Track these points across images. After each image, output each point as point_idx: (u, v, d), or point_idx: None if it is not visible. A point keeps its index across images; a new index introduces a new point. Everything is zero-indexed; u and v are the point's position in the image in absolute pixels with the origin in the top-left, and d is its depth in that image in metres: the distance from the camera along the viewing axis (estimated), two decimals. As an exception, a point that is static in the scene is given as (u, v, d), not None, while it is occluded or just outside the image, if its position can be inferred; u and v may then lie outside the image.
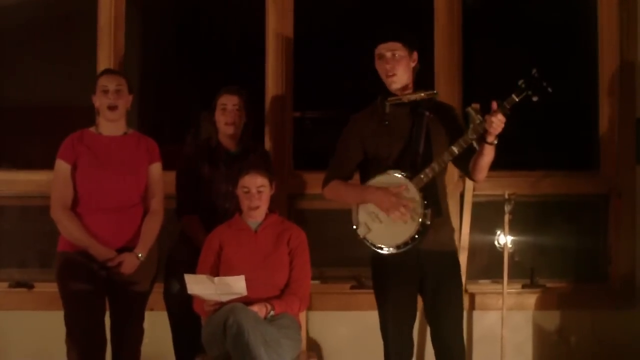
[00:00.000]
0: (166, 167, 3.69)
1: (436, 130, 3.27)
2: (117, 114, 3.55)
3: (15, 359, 4.19)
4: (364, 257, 3.89)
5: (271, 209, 3.55)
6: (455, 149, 3.14)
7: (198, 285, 3.23)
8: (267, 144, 4.31)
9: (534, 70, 3.10)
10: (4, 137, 4.54)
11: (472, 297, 4.18)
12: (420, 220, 3.16)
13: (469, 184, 4.12)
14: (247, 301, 3.23)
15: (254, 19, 4.42)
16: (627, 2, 4.32)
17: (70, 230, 3.44)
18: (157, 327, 3.79)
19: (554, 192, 4.32)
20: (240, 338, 3.03)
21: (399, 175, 3.20)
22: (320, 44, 4.71)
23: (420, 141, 3.22)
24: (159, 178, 3.63)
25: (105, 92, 3.53)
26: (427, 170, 3.17)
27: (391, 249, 3.21)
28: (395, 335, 3.30)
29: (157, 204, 3.59)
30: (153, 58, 4.91)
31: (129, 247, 3.48)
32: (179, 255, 3.74)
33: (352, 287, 4.25)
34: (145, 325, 3.61)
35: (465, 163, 3.27)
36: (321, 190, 3.45)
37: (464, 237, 4.14)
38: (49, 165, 3.61)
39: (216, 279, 3.21)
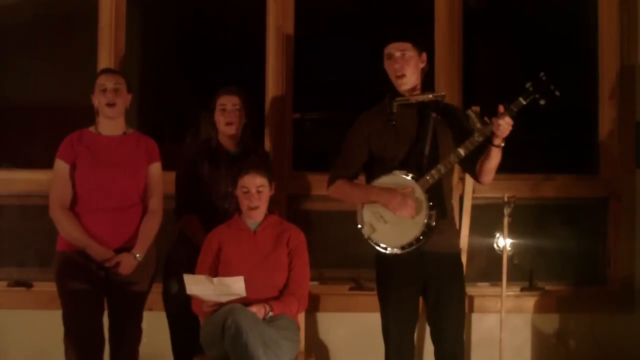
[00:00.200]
0: (166, 167, 3.69)
1: (443, 132, 3.27)
2: (115, 110, 3.55)
3: (14, 358, 4.19)
4: (363, 258, 3.90)
5: (271, 210, 3.55)
6: (461, 151, 3.14)
7: (197, 285, 3.23)
8: (267, 145, 4.31)
9: (542, 74, 3.11)
10: (4, 136, 4.54)
11: (470, 299, 4.18)
12: (425, 221, 3.16)
13: (468, 186, 4.13)
14: (245, 302, 3.22)
15: (255, 19, 4.42)
16: (628, 5, 4.32)
17: (68, 230, 3.44)
18: (155, 327, 3.78)
19: (553, 195, 4.33)
20: (239, 339, 3.02)
21: (405, 176, 3.20)
22: (321, 45, 4.71)
23: (426, 142, 3.22)
24: (159, 178, 3.62)
25: (104, 90, 3.53)
26: (433, 171, 3.17)
27: (395, 249, 3.21)
28: (396, 337, 3.30)
29: (155, 204, 3.58)
30: (153, 58, 4.91)
31: (127, 247, 3.47)
32: (178, 255, 3.74)
33: (351, 289, 4.26)
34: (144, 325, 3.61)
35: (472, 165, 3.28)
36: (326, 189, 3.44)
37: (463, 239, 4.13)
38: (48, 164, 3.60)
39: (215, 279, 3.21)
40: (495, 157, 3.16)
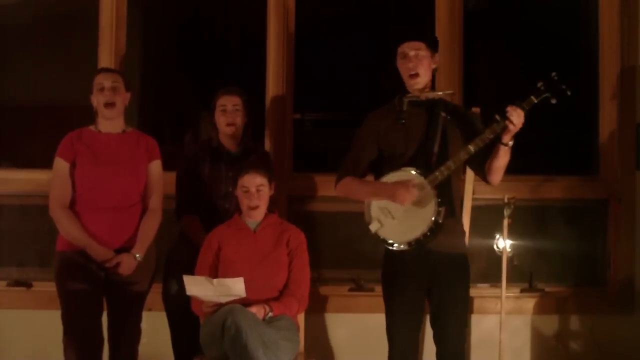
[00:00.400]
0: (166, 167, 3.69)
1: (452, 131, 3.28)
2: (114, 111, 3.54)
3: (14, 357, 4.19)
4: (363, 259, 3.90)
5: (270, 210, 3.55)
6: (471, 147, 3.14)
7: (197, 286, 3.23)
8: (267, 145, 4.31)
9: (554, 73, 3.13)
10: (3, 136, 4.54)
11: (470, 300, 4.18)
12: (433, 217, 3.16)
13: (468, 187, 4.12)
14: (245, 302, 3.22)
15: (255, 20, 4.42)
16: (628, 7, 4.32)
17: (68, 230, 3.44)
18: (155, 328, 3.79)
19: (553, 196, 4.33)
20: (239, 339, 3.02)
21: (414, 172, 3.21)
22: (321, 45, 4.71)
23: (435, 141, 3.23)
24: (159, 176, 3.62)
25: (102, 89, 3.53)
26: (442, 168, 3.17)
27: (402, 245, 3.21)
28: (401, 338, 3.30)
29: (155, 202, 3.58)
30: (154, 58, 4.92)
31: (127, 247, 3.47)
32: (178, 255, 3.73)
33: (350, 290, 4.25)
34: (144, 325, 3.61)
35: (481, 166, 3.29)
36: (334, 187, 3.45)
37: (462, 240, 4.14)
38: (48, 164, 3.60)
39: (215, 280, 3.21)
40: (503, 156, 3.18)
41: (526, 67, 4.62)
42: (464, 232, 3.44)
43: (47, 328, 3.92)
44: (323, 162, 4.76)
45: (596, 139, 4.37)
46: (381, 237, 3.25)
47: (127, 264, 3.43)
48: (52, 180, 3.53)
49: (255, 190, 3.44)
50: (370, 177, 3.41)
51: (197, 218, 3.76)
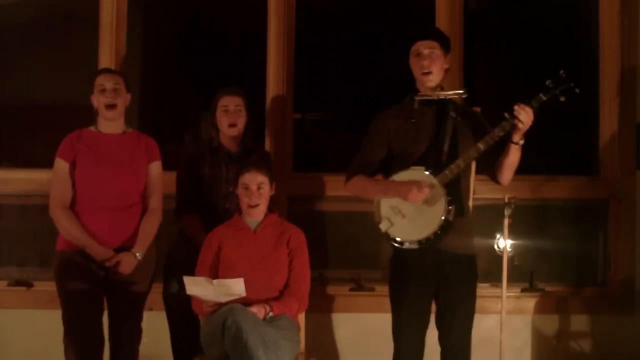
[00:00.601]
0: (166, 167, 3.69)
1: (462, 131, 3.29)
2: (115, 112, 3.55)
3: (14, 357, 4.19)
4: (364, 259, 3.90)
5: (270, 210, 3.54)
6: (481, 146, 3.15)
7: (197, 287, 3.22)
8: (267, 145, 4.31)
9: (562, 71, 3.15)
10: (4, 135, 4.54)
11: (472, 300, 4.19)
12: (443, 216, 3.16)
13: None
14: (246, 302, 3.22)
15: (255, 20, 4.42)
16: (628, 7, 4.32)
17: (68, 230, 3.44)
18: (156, 327, 3.78)
19: (554, 196, 4.33)
20: (239, 339, 3.02)
21: (423, 171, 3.21)
22: (322, 45, 4.71)
23: (445, 140, 3.24)
24: (159, 177, 3.62)
25: (103, 91, 3.53)
26: (452, 166, 3.18)
27: (413, 244, 3.21)
28: (408, 338, 3.30)
29: (155, 203, 3.58)
30: (154, 58, 4.92)
31: (127, 247, 3.47)
32: (179, 255, 3.73)
33: (351, 289, 4.25)
34: (144, 325, 3.61)
35: (491, 166, 3.30)
36: (344, 186, 3.45)
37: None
38: (48, 164, 3.60)
39: (215, 281, 3.20)
40: (513, 155, 3.20)
41: (526, 67, 4.62)
42: (473, 232, 3.44)
43: (47, 328, 3.92)
44: (323, 162, 4.76)
45: (596, 139, 4.37)
46: (391, 236, 3.25)
47: (127, 262, 3.43)
48: (52, 181, 3.53)
49: (256, 188, 3.44)
50: (379, 176, 3.41)
51: (197, 218, 3.76)
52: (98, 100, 3.54)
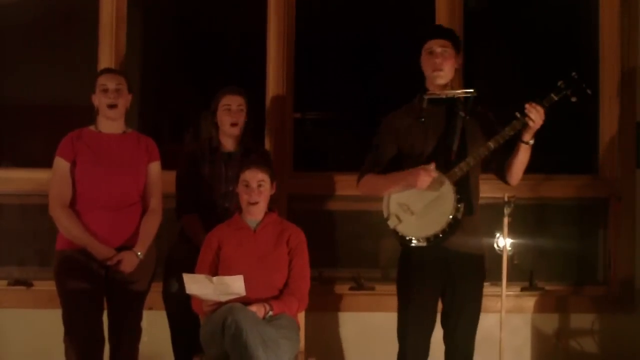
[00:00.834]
0: (166, 166, 3.70)
1: (471, 131, 3.30)
2: (117, 112, 3.55)
3: (14, 356, 4.19)
4: (363, 258, 3.89)
5: (271, 209, 3.55)
6: (491, 144, 3.17)
7: (196, 285, 3.22)
8: (267, 145, 4.31)
9: (574, 73, 3.17)
10: (4, 135, 4.54)
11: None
12: (451, 215, 3.17)
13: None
14: (245, 301, 3.22)
15: (255, 19, 4.42)
16: (628, 7, 4.32)
17: (69, 229, 3.44)
18: (155, 327, 3.79)
19: (553, 195, 4.33)
20: (239, 338, 3.02)
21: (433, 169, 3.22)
22: (322, 45, 4.71)
23: (454, 139, 3.25)
24: (158, 177, 3.63)
25: (105, 91, 3.53)
26: (462, 164, 3.19)
27: (421, 241, 3.22)
28: (414, 338, 3.31)
29: (155, 203, 3.59)
30: (154, 58, 4.92)
31: (127, 246, 3.47)
32: (179, 254, 3.74)
33: (351, 288, 4.25)
34: (144, 324, 3.61)
35: (501, 166, 3.32)
36: (356, 185, 3.46)
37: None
38: (48, 163, 3.60)
39: (215, 278, 3.20)
40: (523, 155, 3.22)
41: (526, 67, 4.62)
42: (481, 231, 3.44)
43: (47, 327, 3.92)
44: (323, 161, 4.76)
45: (596, 138, 4.37)
46: (400, 233, 3.26)
47: (129, 261, 3.44)
48: (51, 180, 3.53)
49: (256, 185, 3.44)
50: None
51: (196, 217, 3.76)
52: (100, 100, 3.54)
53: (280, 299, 3.35)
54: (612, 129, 4.32)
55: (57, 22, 4.70)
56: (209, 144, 3.87)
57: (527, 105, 3.12)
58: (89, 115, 3.63)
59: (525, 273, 4.27)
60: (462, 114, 3.26)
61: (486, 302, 4.15)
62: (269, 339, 3.08)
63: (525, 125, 3.13)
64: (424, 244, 3.21)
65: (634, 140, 4.29)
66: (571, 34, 4.65)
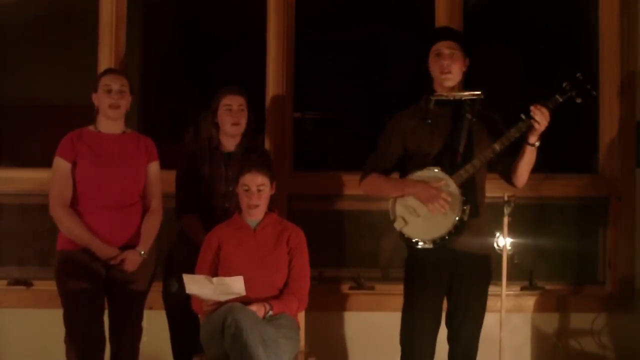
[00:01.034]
0: (166, 166, 3.70)
1: (478, 132, 3.30)
2: (118, 113, 3.55)
3: (14, 356, 4.19)
4: (363, 257, 3.89)
5: (270, 209, 3.55)
6: (497, 146, 3.17)
7: (196, 285, 3.22)
8: (267, 145, 4.31)
9: (579, 74, 3.18)
10: (4, 135, 4.54)
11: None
12: (458, 216, 3.17)
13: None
14: (245, 301, 3.22)
15: (255, 19, 4.42)
16: (628, 8, 4.32)
17: (71, 228, 3.43)
18: (155, 326, 3.78)
19: (553, 194, 4.33)
20: (239, 338, 3.02)
21: (439, 171, 3.22)
22: (322, 45, 4.72)
23: (461, 140, 3.25)
24: (158, 177, 3.63)
25: (109, 91, 3.53)
26: (467, 166, 3.19)
27: (427, 243, 3.21)
28: (420, 339, 3.30)
29: (156, 204, 3.59)
30: (153, 58, 4.92)
31: (128, 246, 3.47)
32: (178, 254, 3.74)
33: (350, 288, 4.25)
34: (144, 324, 3.61)
35: (507, 169, 3.32)
36: (358, 184, 3.45)
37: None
38: (49, 163, 3.59)
39: (215, 279, 3.20)
40: (528, 156, 3.21)
41: (526, 67, 4.62)
42: (488, 233, 3.44)
43: (47, 327, 3.92)
44: (323, 160, 4.76)
45: (596, 138, 4.37)
46: (405, 235, 3.25)
47: (133, 260, 3.44)
48: (52, 180, 3.52)
49: (256, 189, 3.44)
50: (395, 175, 3.42)
51: (196, 217, 3.76)
52: (102, 100, 3.54)
53: (280, 299, 3.35)
54: (612, 129, 4.32)
55: (57, 22, 4.70)
56: (209, 144, 3.87)
57: (532, 107, 3.12)
58: (89, 115, 3.63)
59: (525, 272, 4.27)
60: (468, 115, 3.26)
61: (486, 302, 4.18)
62: (269, 339, 3.08)
63: (530, 127, 3.13)
64: (430, 246, 3.21)
65: (634, 140, 4.29)
66: (571, 35, 4.66)
